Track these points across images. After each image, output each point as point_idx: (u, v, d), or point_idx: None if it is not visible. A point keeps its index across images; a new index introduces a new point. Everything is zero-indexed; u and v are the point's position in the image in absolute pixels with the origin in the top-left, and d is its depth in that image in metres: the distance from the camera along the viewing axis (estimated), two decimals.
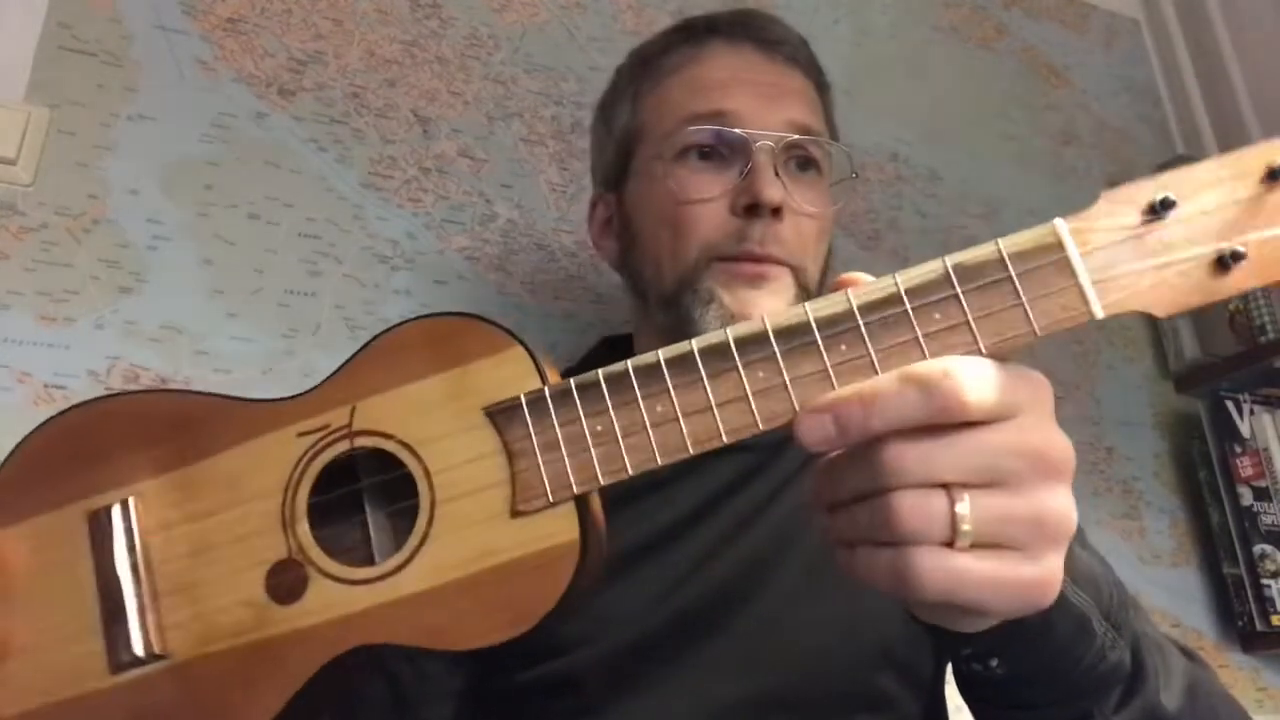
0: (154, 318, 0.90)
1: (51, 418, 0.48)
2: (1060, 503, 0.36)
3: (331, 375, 0.46)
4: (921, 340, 0.38)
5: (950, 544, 0.35)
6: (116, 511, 0.45)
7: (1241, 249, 0.36)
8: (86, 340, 0.87)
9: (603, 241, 0.85)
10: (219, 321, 0.93)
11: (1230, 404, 1.33)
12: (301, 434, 0.45)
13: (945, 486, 0.35)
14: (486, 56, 1.13)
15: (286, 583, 0.43)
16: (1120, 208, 0.38)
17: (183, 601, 0.44)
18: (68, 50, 0.94)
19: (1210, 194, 0.38)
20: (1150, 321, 1.46)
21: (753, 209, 0.70)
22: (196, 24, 1.00)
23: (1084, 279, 0.37)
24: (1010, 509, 0.35)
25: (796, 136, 0.73)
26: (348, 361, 0.46)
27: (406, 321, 0.45)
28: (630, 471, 0.39)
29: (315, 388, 0.46)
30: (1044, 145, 1.49)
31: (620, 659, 0.65)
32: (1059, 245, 0.38)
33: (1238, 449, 1.31)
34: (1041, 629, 0.42)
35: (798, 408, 0.37)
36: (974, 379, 0.35)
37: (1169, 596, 1.28)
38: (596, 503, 0.42)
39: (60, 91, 0.92)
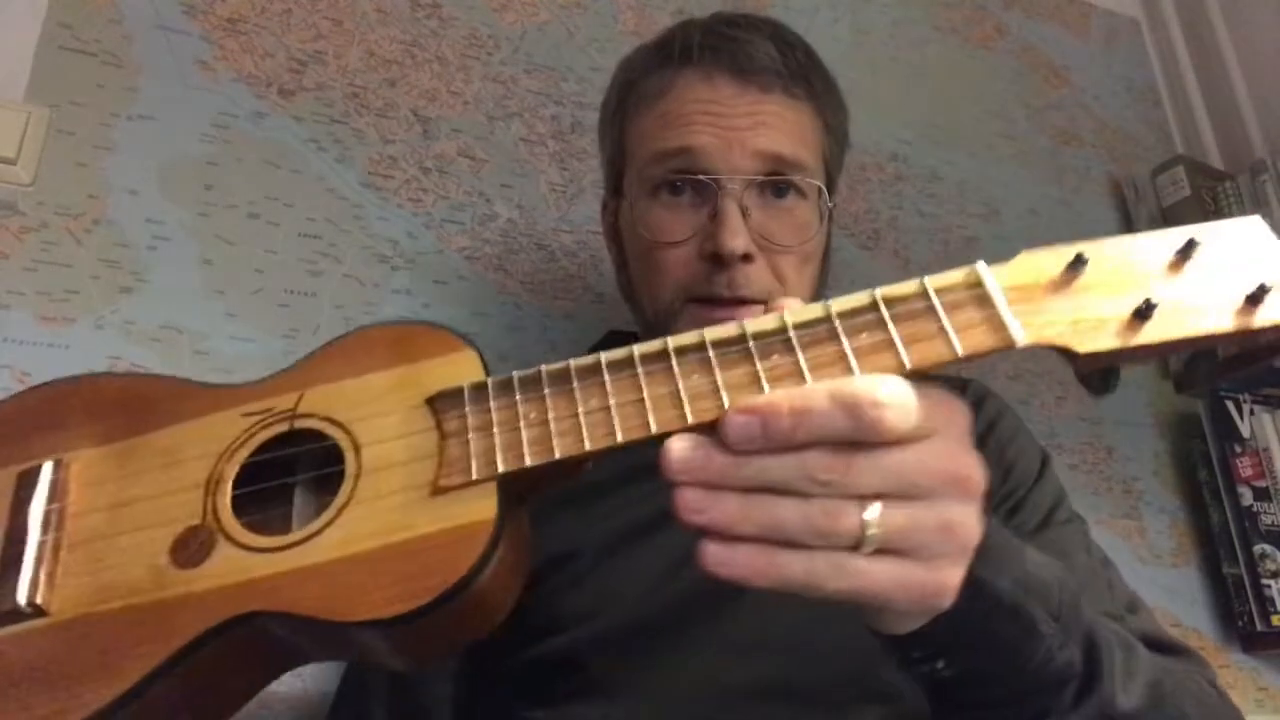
0: (154, 318, 0.90)
1: (8, 398, 0.48)
2: (963, 517, 0.39)
3: (287, 368, 0.47)
4: (850, 355, 0.40)
5: (854, 548, 0.37)
6: (47, 467, 0.44)
7: (1156, 302, 0.39)
8: (86, 340, 0.87)
9: (610, 244, 0.86)
10: (219, 321, 0.93)
11: (1230, 404, 1.33)
12: (246, 414, 0.45)
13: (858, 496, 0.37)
14: (486, 56, 1.13)
15: (192, 548, 0.41)
16: (1042, 259, 0.42)
17: (84, 557, 0.42)
18: (68, 50, 0.94)
19: (1123, 260, 0.41)
20: None
21: (717, 257, 0.70)
22: (196, 24, 1.00)
23: (1004, 310, 0.40)
24: (915, 520, 0.37)
25: (761, 178, 0.72)
26: (307, 357, 0.47)
27: (369, 326, 0.47)
28: (558, 454, 0.39)
29: (270, 377, 0.47)
30: (1044, 145, 1.49)
31: (623, 638, 0.65)
32: (979, 283, 0.41)
33: (1238, 449, 1.31)
34: (982, 631, 0.43)
35: (726, 407, 0.38)
36: (896, 405, 0.36)
37: (1169, 596, 1.28)
38: (523, 510, 0.41)
39: (60, 91, 0.92)
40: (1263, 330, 0.39)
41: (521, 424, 0.40)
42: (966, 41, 1.50)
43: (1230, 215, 1.53)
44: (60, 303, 0.88)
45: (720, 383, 0.39)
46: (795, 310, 0.41)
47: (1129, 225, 1.51)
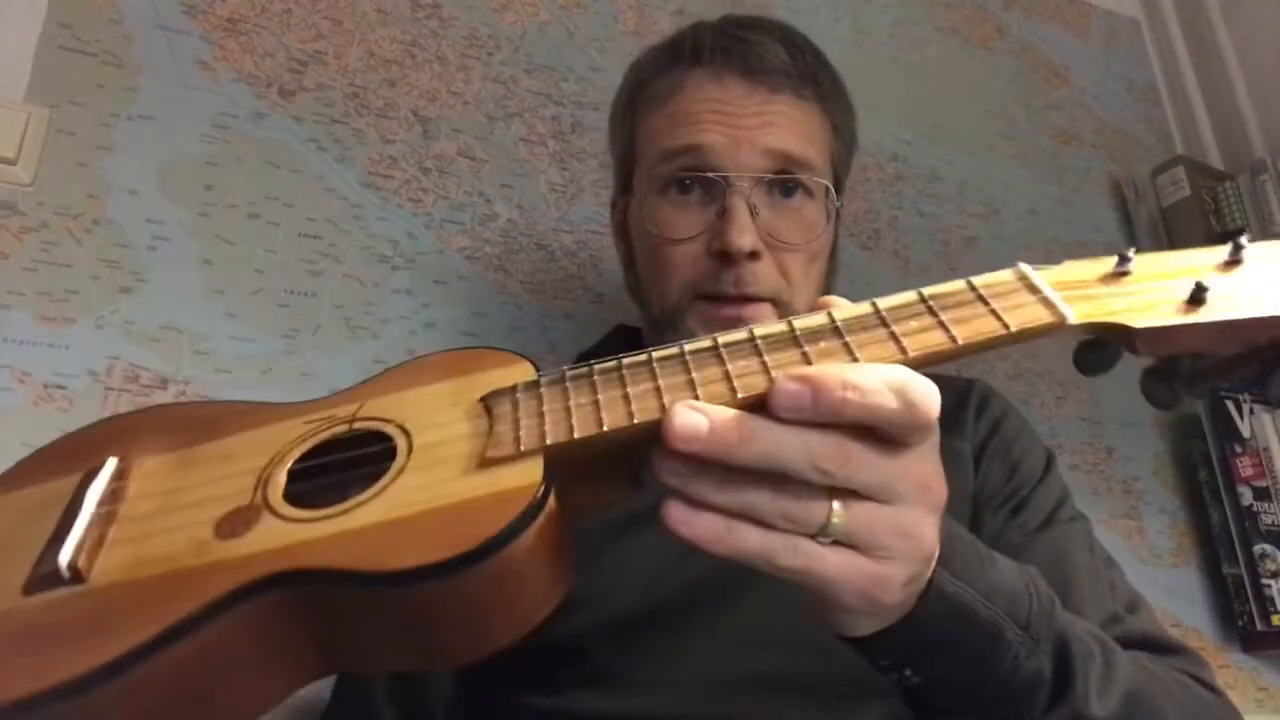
0: (154, 318, 0.90)
1: (89, 425, 0.50)
2: (925, 527, 0.40)
3: (347, 389, 0.49)
4: (900, 337, 0.41)
5: (813, 536, 0.38)
6: (111, 462, 0.46)
7: (1208, 285, 0.40)
8: (86, 340, 0.87)
9: (618, 242, 0.86)
10: (219, 321, 0.93)
11: (1230, 404, 1.33)
12: (307, 422, 0.47)
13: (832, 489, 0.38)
14: (486, 56, 1.13)
15: (235, 523, 0.41)
16: (1086, 264, 0.44)
17: (131, 532, 0.43)
18: (68, 50, 0.94)
19: (1171, 260, 0.43)
20: None
21: (725, 254, 0.71)
22: (196, 24, 1.00)
23: (1052, 294, 0.41)
24: (880, 521, 0.39)
25: (770, 176, 0.73)
26: (365, 380, 0.49)
27: (425, 355, 0.49)
28: (606, 427, 0.40)
29: (331, 395, 0.49)
30: (1044, 145, 1.49)
31: (625, 627, 0.65)
32: (1025, 276, 0.43)
33: (1238, 449, 1.31)
34: (944, 639, 0.44)
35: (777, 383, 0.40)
36: (934, 400, 0.38)
37: (1169, 596, 1.28)
38: (567, 519, 0.41)
39: (60, 91, 0.92)
40: None
41: (571, 404, 0.42)
42: (966, 41, 1.50)
43: (1230, 215, 1.51)
44: (60, 303, 0.88)
45: (769, 364, 0.40)
46: (842, 308, 0.42)
47: (1129, 225, 1.51)
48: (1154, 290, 0.42)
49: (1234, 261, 0.42)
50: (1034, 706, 0.48)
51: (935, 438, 0.40)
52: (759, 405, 0.38)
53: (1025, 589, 0.48)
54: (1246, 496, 1.28)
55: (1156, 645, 0.63)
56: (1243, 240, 0.43)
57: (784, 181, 0.74)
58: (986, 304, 0.41)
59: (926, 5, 1.48)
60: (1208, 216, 1.42)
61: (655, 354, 0.43)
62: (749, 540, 0.38)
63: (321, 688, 0.85)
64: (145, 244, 0.92)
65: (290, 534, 0.40)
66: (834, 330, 0.41)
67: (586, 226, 1.12)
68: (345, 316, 0.98)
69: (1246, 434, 1.32)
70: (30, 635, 0.39)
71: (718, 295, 0.71)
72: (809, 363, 0.40)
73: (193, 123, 0.97)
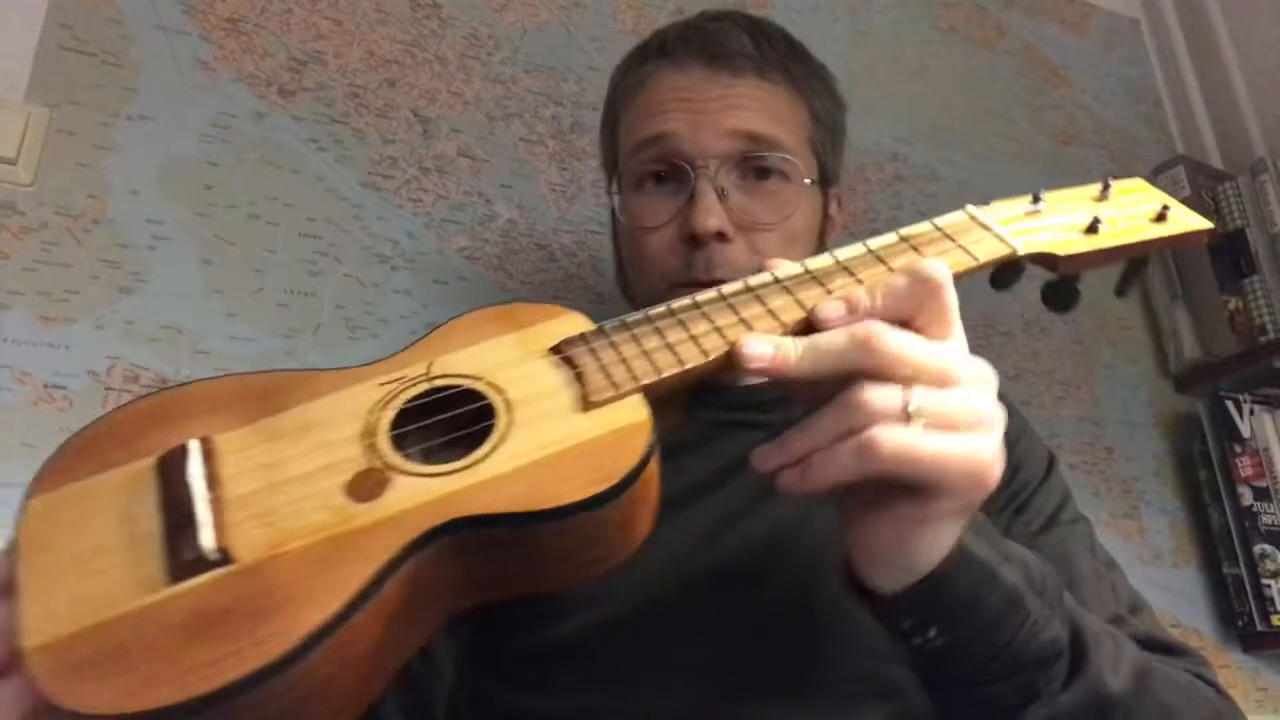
0: (154, 318, 0.90)
1: (118, 407, 0.48)
2: (989, 401, 0.45)
3: (401, 350, 0.49)
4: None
5: (905, 423, 0.42)
6: (194, 444, 0.44)
7: (1101, 217, 0.54)
8: (86, 340, 0.87)
9: (613, 246, 0.87)
10: (219, 321, 0.93)
11: (1230, 404, 1.33)
12: (382, 384, 0.47)
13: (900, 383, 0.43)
14: (486, 56, 1.13)
15: (367, 486, 0.43)
16: (1010, 203, 0.56)
17: (251, 514, 0.42)
18: (68, 50, 0.94)
19: (1064, 196, 0.58)
20: (1150, 321, 1.46)
21: (694, 237, 0.71)
22: (196, 24, 1.00)
23: (998, 229, 0.53)
24: (953, 399, 0.43)
25: (737, 153, 0.73)
26: (414, 342, 0.49)
27: (462, 313, 0.50)
28: (685, 366, 0.46)
29: (387, 357, 0.49)
30: (1044, 145, 1.49)
31: (628, 625, 0.65)
32: (974, 216, 0.54)
33: (1238, 449, 1.31)
34: (969, 596, 0.47)
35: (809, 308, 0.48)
36: (938, 271, 0.46)
37: (1169, 596, 1.28)
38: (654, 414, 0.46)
39: (60, 91, 0.92)
40: (1177, 237, 0.56)
41: (646, 348, 0.47)
42: (966, 41, 1.50)
43: (1231, 215, 1.51)
44: (60, 303, 0.88)
45: (800, 299, 0.48)
46: (840, 251, 0.51)
47: None
48: (1062, 224, 0.55)
49: (1103, 197, 0.58)
50: (1052, 679, 0.49)
51: (960, 331, 0.46)
52: (802, 333, 0.47)
53: (1039, 563, 0.50)
54: (1246, 496, 1.28)
55: (1159, 647, 0.64)
56: (1109, 180, 0.58)
57: (756, 165, 0.74)
58: (953, 240, 0.52)
59: (926, 5, 1.48)
60: (1208, 217, 1.41)
61: (699, 298, 0.49)
62: (846, 445, 0.42)
63: None
64: (145, 244, 0.92)
65: (434, 488, 0.42)
66: (842, 269, 0.50)
67: (586, 226, 1.12)
68: (345, 316, 0.98)
69: (1246, 434, 1.32)
70: (206, 618, 0.38)
71: (691, 281, 0.71)
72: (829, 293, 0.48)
73: (193, 123, 0.97)
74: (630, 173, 0.77)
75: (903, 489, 0.44)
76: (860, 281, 0.49)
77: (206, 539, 0.40)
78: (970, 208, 0.54)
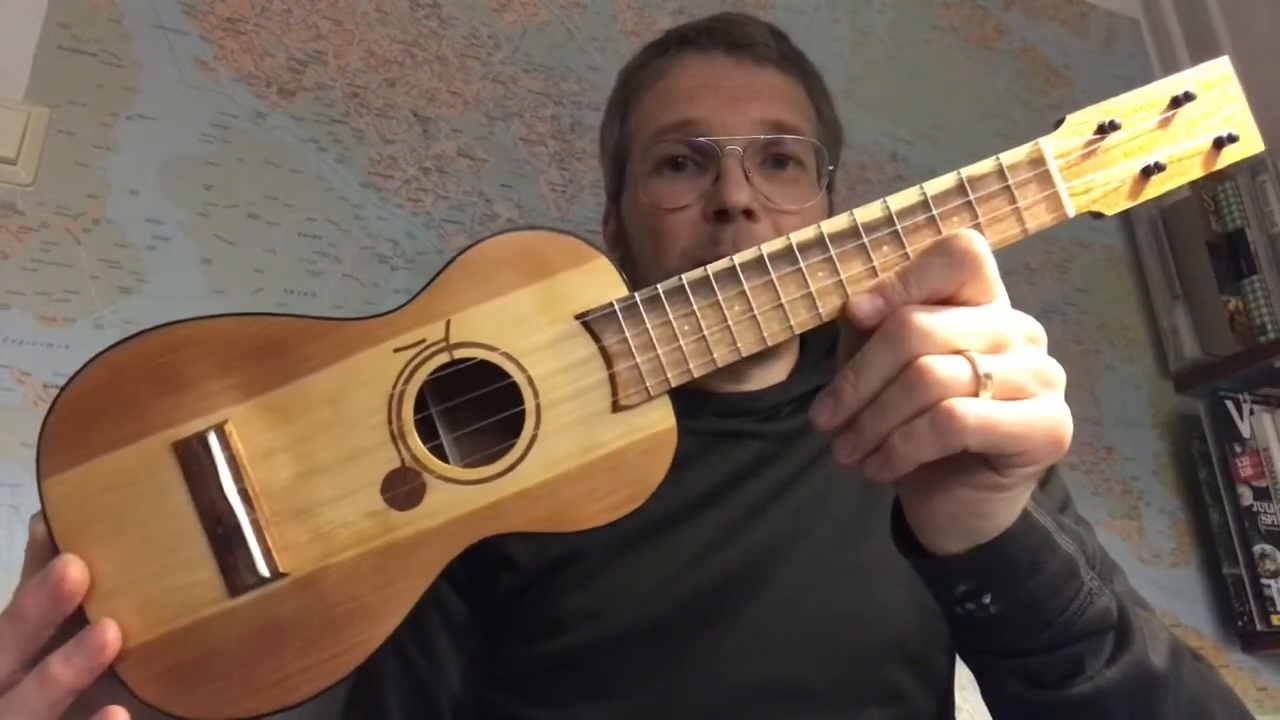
0: (154, 318, 0.88)
1: (107, 349, 0.46)
2: (1047, 359, 0.44)
3: (418, 293, 0.47)
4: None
5: (976, 394, 0.41)
6: (213, 439, 0.43)
7: (1163, 162, 0.51)
8: (86, 340, 0.87)
9: (611, 253, 0.87)
10: None
11: (1230, 404, 1.33)
12: (398, 349, 0.46)
13: (959, 353, 0.41)
14: (486, 56, 1.13)
15: (404, 491, 0.44)
16: (1079, 127, 0.52)
17: (298, 523, 0.44)
18: (68, 50, 0.94)
19: (1137, 117, 0.54)
20: (1150, 321, 1.46)
21: (722, 214, 0.71)
22: (196, 24, 1.00)
23: (1061, 188, 0.49)
24: (1016, 363, 0.42)
25: (764, 137, 0.73)
26: (434, 279, 0.47)
27: (487, 238, 0.46)
28: (718, 363, 0.45)
29: (403, 305, 0.46)
30: None
31: (628, 639, 0.65)
32: (1042, 159, 0.50)
33: (1238, 449, 1.31)
34: (1030, 561, 0.46)
35: (850, 295, 0.45)
36: (971, 241, 0.44)
37: (1169, 596, 1.28)
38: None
39: (60, 91, 0.92)
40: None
41: (680, 340, 0.45)
42: (966, 41, 1.50)
43: (1230, 215, 1.51)
44: (60, 303, 0.88)
45: (843, 278, 0.46)
46: (893, 199, 0.47)
47: (1129, 225, 1.51)
48: (1117, 174, 0.51)
49: (1180, 104, 0.55)
50: (1099, 653, 0.49)
51: (1003, 290, 0.44)
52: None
53: (1087, 539, 0.50)
54: (1246, 496, 1.28)
55: None
56: (1190, 90, 0.55)
57: (775, 154, 0.75)
58: (1013, 199, 0.49)
59: (926, 5, 1.48)
60: (1208, 217, 1.42)
61: (740, 263, 0.46)
62: (926, 417, 0.41)
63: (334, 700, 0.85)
64: (145, 244, 0.92)
65: (470, 498, 0.44)
66: (893, 235, 0.46)
67: (586, 226, 1.12)
68: (345, 316, 0.98)
69: (1246, 434, 1.32)
70: (277, 630, 0.43)
71: (717, 258, 0.71)
72: (875, 273, 0.46)
73: (193, 122, 0.97)
74: (650, 158, 0.76)
75: (977, 457, 0.42)
76: (904, 243, 0.46)
77: (261, 565, 0.43)
78: (1043, 142, 0.50)
